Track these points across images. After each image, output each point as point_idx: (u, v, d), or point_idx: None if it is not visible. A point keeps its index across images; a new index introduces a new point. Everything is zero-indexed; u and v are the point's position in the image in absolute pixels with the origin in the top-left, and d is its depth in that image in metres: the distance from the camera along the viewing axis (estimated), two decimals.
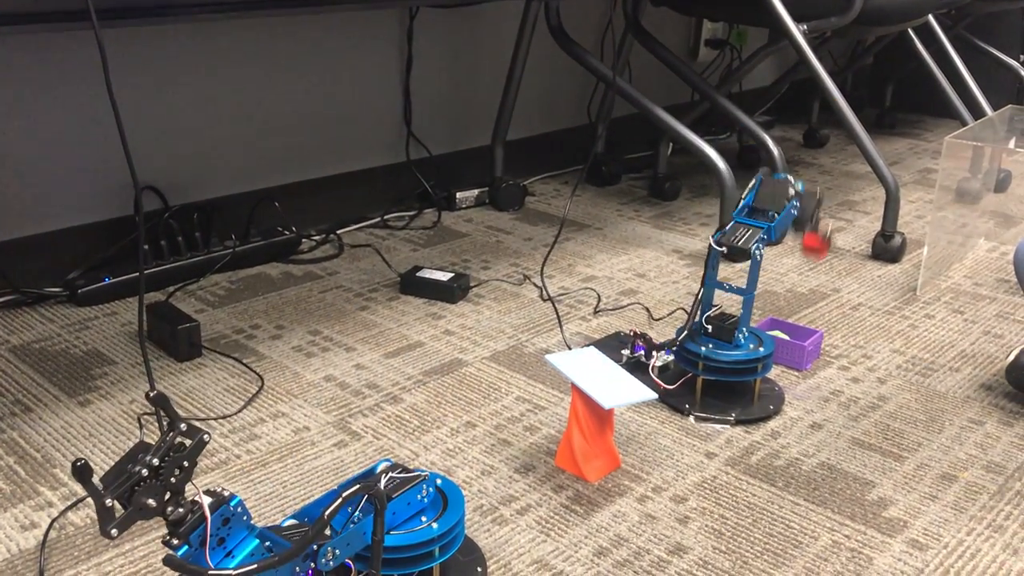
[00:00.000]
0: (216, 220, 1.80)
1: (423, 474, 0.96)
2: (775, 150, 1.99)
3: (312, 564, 0.86)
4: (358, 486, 0.85)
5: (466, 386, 1.41)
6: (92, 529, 1.07)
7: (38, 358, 1.46)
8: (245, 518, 0.83)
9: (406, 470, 0.97)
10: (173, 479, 0.77)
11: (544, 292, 1.74)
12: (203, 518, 0.78)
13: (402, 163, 2.19)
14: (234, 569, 0.79)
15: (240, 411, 1.33)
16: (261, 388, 1.39)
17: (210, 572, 0.77)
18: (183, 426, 0.77)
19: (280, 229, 1.89)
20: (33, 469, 1.18)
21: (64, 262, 1.67)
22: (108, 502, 0.73)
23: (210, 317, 1.62)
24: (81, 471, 0.72)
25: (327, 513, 0.82)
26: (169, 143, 1.79)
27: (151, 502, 0.75)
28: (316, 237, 1.98)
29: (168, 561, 0.76)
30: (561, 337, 1.57)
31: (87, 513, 1.09)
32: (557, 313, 1.65)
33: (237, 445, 1.24)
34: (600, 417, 1.19)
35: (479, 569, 1.01)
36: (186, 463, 0.77)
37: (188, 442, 0.78)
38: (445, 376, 1.44)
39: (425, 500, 0.96)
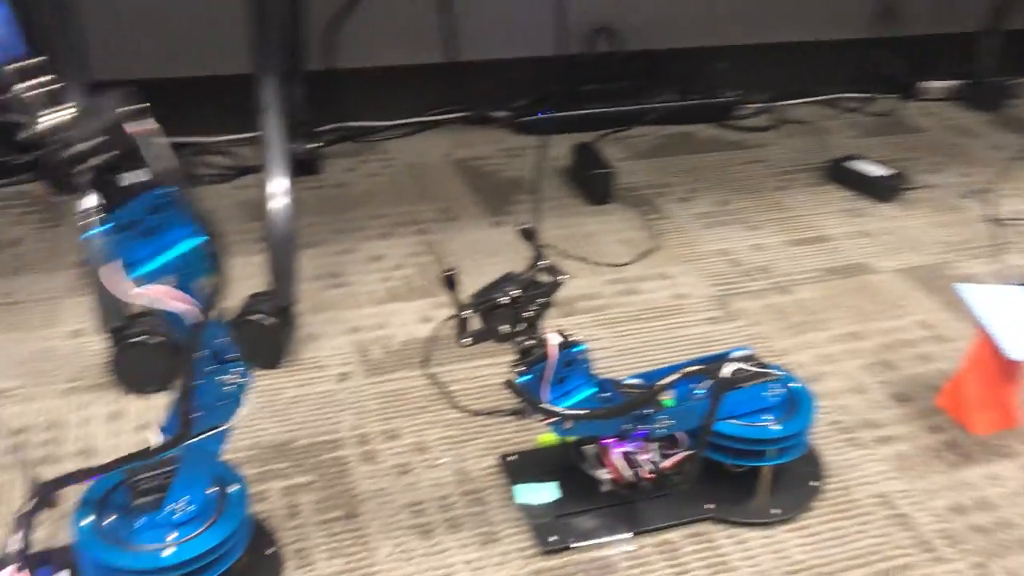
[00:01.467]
0: (661, 71, 1.80)
1: (776, 373, 0.92)
2: None
3: (644, 427, 0.88)
4: (700, 367, 0.84)
5: (866, 294, 1.30)
6: None
7: (473, 175, 1.60)
8: (586, 366, 0.85)
9: (761, 364, 0.93)
10: (529, 312, 0.82)
11: (990, 214, 1.53)
12: (548, 355, 0.82)
13: (867, 39, 1.99)
14: (565, 408, 0.82)
15: (628, 264, 1.35)
16: (656, 246, 1.40)
17: (542, 404, 0.82)
18: (543, 263, 0.80)
19: (722, 91, 1.84)
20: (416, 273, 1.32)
21: (515, 90, 1.79)
22: (465, 314, 0.79)
23: (630, 167, 1.65)
24: (448, 280, 0.79)
25: (657, 386, 0.82)
26: None
27: (504, 328, 0.80)
28: (756, 104, 1.90)
29: (508, 384, 0.81)
30: (995, 268, 1.38)
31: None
32: (1000, 240, 1.45)
33: (617, 295, 1.28)
34: (1006, 367, 1.03)
35: (812, 483, 0.96)
36: (541, 300, 0.81)
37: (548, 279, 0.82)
38: (846, 279, 1.34)
39: (772, 399, 0.92)
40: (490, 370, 1.12)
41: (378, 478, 0.96)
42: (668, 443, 0.92)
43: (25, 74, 0.61)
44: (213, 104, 1.61)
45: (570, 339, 0.84)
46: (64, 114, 0.61)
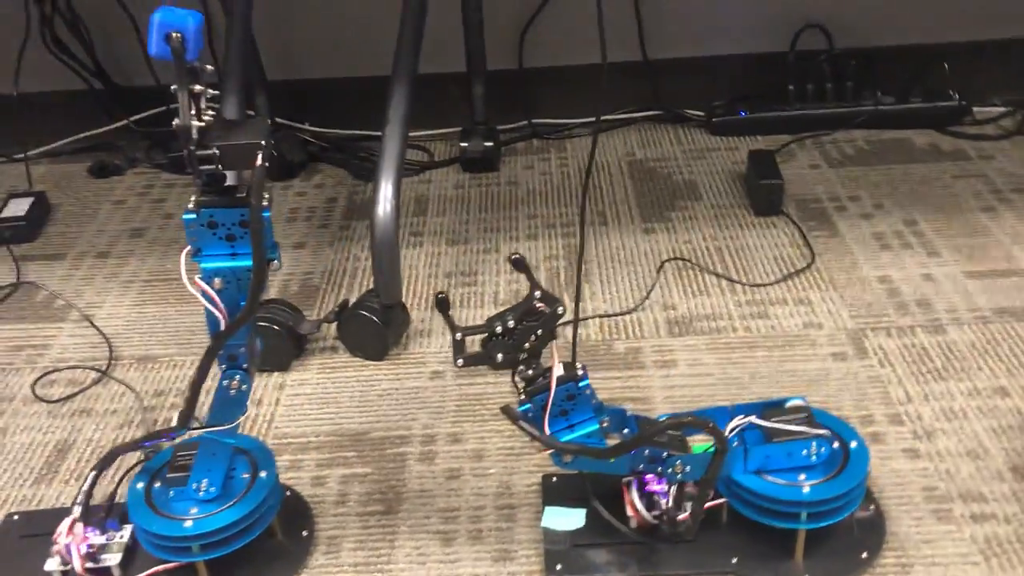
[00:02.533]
0: (877, 71, 1.65)
1: (821, 431, 0.84)
2: None
3: (659, 469, 0.85)
4: (708, 421, 0.79)
5: None
6: None
7: (645, 175, 1.58)
8: (593, 401, 0.84)
9: (811, 418, 0.86)
10: (528, 343, 0.82)
11: None
12: (547, 387, 0.82)
13: None
14: (556, 442, 0.82)
15: (771, 284, 1.27)
16: (808, 266, 1.30)
17: (537, 434, 0.82)
18: (538, 293, 0.80)
19: (951, 93, 1.64)
20: (553, 276, 1.32)
21: (712, 88, 1.72)
22: (459, 336, 0.81)
23: (817, 176, 1.54)
24: (440, 302, 0.81)
25: (646, 433, 0.78)
26: None
27: (499, 356, 0.81)
28: (1000, 108, 1.68)
29: (504, 410, 0.82)
30: None
31: None
32: None
33: (743, 318, 1.21)
34: None
35: (864, 555, 0.86)
36: (540, 331, 0.81)
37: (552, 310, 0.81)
38: (1021, 324, 1.17)
39: (813, 457, 0.84)
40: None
41: (427, 479, 1.00)
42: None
43: (196, 75, 0.72)
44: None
45: (577, 371, 0.83)
46: (205, 120, 0.73)
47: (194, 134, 0.72)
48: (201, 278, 0.78)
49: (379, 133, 1.69)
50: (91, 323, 1.27)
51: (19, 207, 1.51)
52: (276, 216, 1.53)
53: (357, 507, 0.97)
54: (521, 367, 0.83)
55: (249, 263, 0.76)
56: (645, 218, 1.45)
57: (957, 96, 1.63)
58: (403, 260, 1.36)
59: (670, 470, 0.84)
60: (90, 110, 1.71)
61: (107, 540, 0.91)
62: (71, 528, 0.88)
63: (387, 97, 1.20)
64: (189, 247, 0.78)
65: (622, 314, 1.23)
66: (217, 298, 0.78)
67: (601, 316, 1.23)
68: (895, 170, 1.54)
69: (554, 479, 0.97)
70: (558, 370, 0.82)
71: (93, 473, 0.90)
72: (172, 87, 0.71)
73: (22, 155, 1.65)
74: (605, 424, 0.87)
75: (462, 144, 1.61)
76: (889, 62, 1.66)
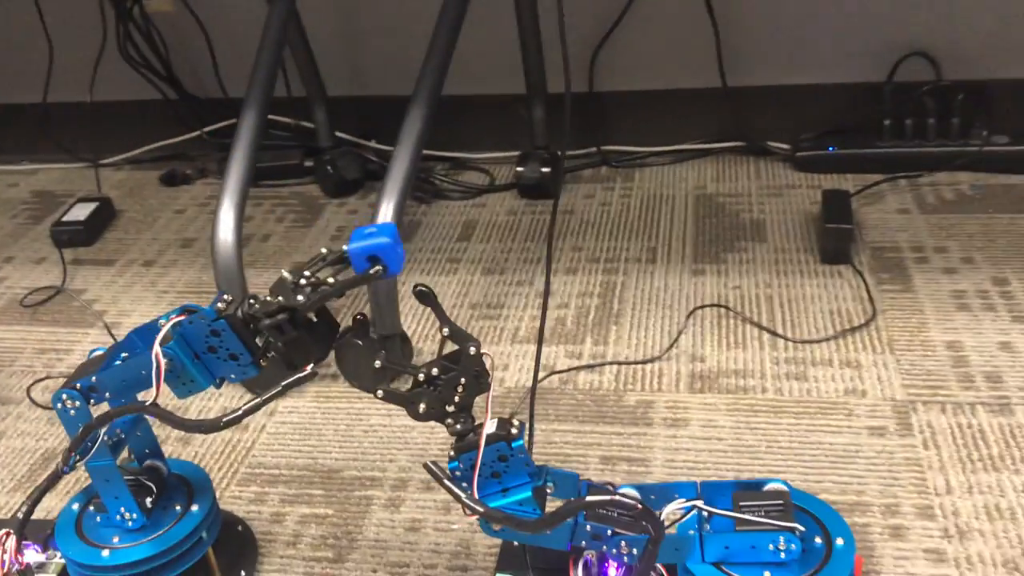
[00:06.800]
0: (989, 107, 1.46)
1: (793, 526, 0.72)
2: None
3: (603, 548, 0.74)
4: (637, 503, 0.68)
5: None
6: None
7: (711, 211, 1.45)
8: (527, 464, 0.74)
9: (787, 506, 0.73)
10: (457, 396, 0.73)
11: None
12: (474, 446, 0.73)
13: None
14: (482, 506, 0.73)
15: (819, 341, 1.13)
16: (866, 324, 1.15)
17: (460, 495, 0.73)
18: (445, 331, 0.71)
19: None
20: (581, 315, 1.22)
21: (802, 120, 1.58)
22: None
23: (904, 221, 1.37)
24: (422, 295, 0.73)
25: (558, 511, 0.68)
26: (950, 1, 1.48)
27: (421, 407, 0.73)
28: None
29: (426, 466, 0.74)
30: None
31: None
32: None
33: (776, 378, 1.08)
34: None
35: None
36: (463, 378, 0.72)
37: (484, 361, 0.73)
38: None
39: (782, 554, 0.72)
40: (570, 436, 1.02)
41: (386, 528, 0.93)
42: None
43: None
44: (481, 121, 1.66)
45: (512, 431, 0.74)
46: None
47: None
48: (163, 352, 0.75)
49: (443, 154, 1.68)
50: (110, 333, 1.27)
51: (82, 211, 1.54)
52: (322, 233, 1.50)
53: (307, 551, 0.91)
54: (449, 421, 0.74)
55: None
56: (697, 258, 1.33)
57: None
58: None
59: (614, 550, 0.74)
60: (166, 120, 1.75)
61: (46, 559, 0.89)
62: (3, 541, 0.86)
63: (405, 116, 1.15)
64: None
65: (640, 362, 1.13)
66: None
67: (615, 363, 1.13)
68: (998, 220, 1.36)
69: (515, 543, 0.88)
70: (489, 426, 0.74)
71: (43, 486, 0.88)
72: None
73: (95, 161, 1.70)
74: (550, 490, 0.77)
75: (518, 168, 1.54)
76: (1004, 97, 1.47)
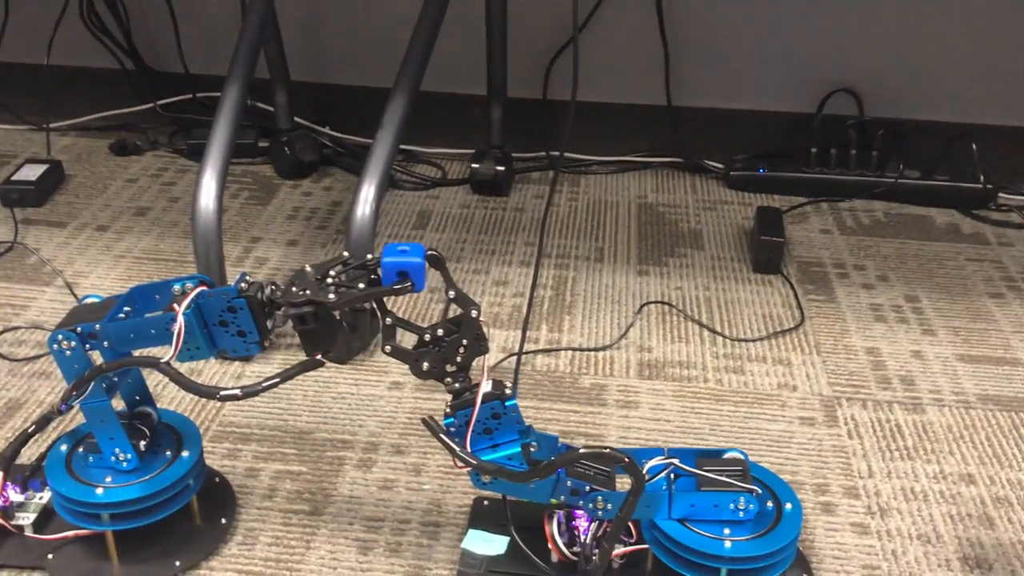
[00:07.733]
0: (905, 144, 1.61)
1: (753, 488, 0.81)
2: None
3: (580, 503, 0.82)
4: (624, 456, 0.76)
5: (1018, 437, 1.08)
6: None
7: (652, 221, 1.55)
8: (518, 422, 0.81)
9: (745, 473, 0.82)
10: (459, 357, 0.80)
11: None
12: (471, 403, 0.80)
13: None
14: (474, 458, 0.79)
15: (754, 340, 1.24)
16: (795, 328, 1.27)
17: (456, 449, 0.79)
18: (451, 293, 0.78)
19: (978, 175, 1.60)
20: (537, 304, 1.30)
21: (735, 142, 1.70)
22: (389, 320, 0.79)
23: (827, 240, 1.50)
24: (434, 259, 0.79)
25: (562, 459, 0.76)
26: (878, 46, 1.62)
27: (425, 365, 0.79)
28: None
29: (424, 422, 0.80)
30: None
31: None
32: None
33: (717, 370, 1.18)
34: None
35: None
36: (464, 340, 0.79)
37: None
38: (1004, 412, 1.11)
39: (741, 513, 0.80)
40: (530, 412, 1.09)
41: (360, 486, 0.98)
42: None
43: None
44: (435, 117, 1.72)
45: (505, 391, 0.81)
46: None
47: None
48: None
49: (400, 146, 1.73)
50: (71, 291, 1.28)
51: (32, 172, 1.53)
52: (277, 213, 1.54)
53: (283, 503, 0.96)
54: (448, 379, 0.81)
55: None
56: (642, 260, 1.43)
57: (983, 179, 1.58)
58: None
59: (591, 505, 0.81)
60: (120, 89, 1.75)
61: (25, 499, 0.90)
62: None
63: (387, 103, 1.20)
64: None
65: (594, 350, 1.21)
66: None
67: (571, 349, 1.21)
68: (908, 245, 1.50)
69: (486, 503, 0.95)
70: (485, 386, 0.80)
71: (30, 429, 0.89)
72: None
73: (45, 124, 1.69)
74: (533, 448, 0.84)
75: (473, 165, 1.61)
76: (918, 136, 1.62)
